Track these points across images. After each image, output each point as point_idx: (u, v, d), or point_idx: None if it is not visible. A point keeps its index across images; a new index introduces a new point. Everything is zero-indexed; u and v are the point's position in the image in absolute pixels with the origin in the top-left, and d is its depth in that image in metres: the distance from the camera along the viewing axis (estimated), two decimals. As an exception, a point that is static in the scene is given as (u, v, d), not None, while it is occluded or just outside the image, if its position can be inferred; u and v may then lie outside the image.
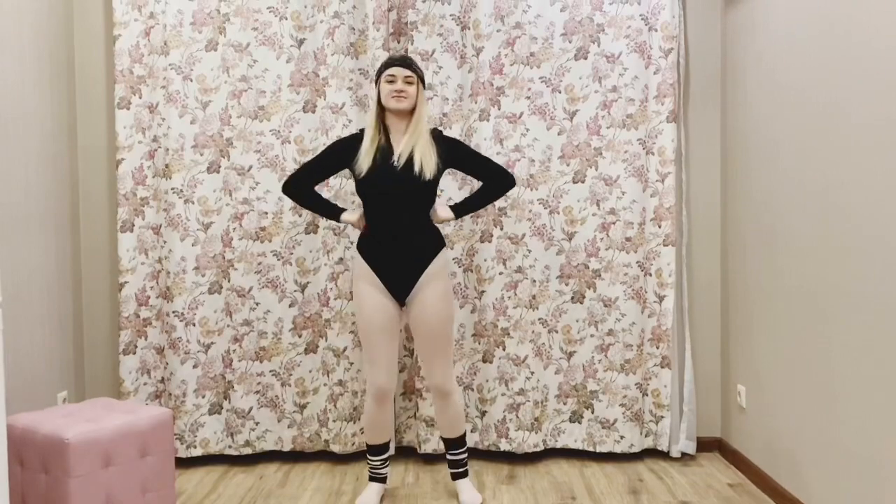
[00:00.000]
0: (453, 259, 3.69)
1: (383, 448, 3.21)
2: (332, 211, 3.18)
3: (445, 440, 3.22)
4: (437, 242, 3.08)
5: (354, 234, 3.68)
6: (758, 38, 3.33)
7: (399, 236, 3.02)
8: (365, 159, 3.02)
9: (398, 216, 3.01)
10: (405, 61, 3.04)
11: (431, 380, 3.10)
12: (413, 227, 3.03)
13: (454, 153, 3.13)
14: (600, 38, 3.65)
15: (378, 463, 3.21)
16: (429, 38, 3.64)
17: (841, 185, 2.64)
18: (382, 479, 3.24)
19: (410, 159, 2.99)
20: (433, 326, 3.03)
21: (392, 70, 3.01)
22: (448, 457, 3.23)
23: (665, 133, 3.63)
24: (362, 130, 3.13)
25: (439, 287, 3.05)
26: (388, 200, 3.01)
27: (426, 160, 2.99)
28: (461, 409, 3.17)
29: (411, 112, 3.04)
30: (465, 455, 3.24)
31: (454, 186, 3.66)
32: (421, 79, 3.05)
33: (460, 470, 3.23)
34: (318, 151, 3.64)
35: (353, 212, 3.17)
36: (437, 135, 3.11)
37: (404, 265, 3.03)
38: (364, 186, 3.02)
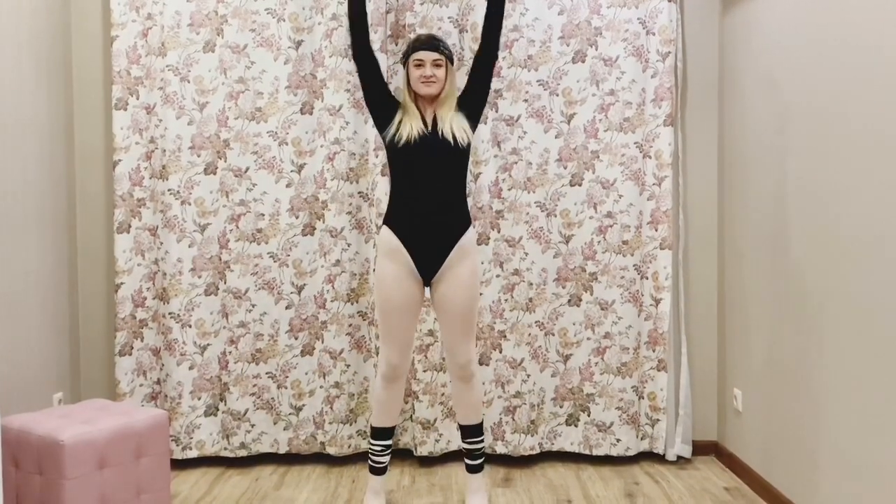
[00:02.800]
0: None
1: (388, 433, 3.13)
2: None
3: (463, 428, 3.14)
4: (466, 219, 3.06)
5: (352, 237, 3.68)
6: (755, 43, 3.34)
7: (431, 209, 2.99)
8: (400, 128, 2.99)
9: (432, 188, 2.99)
10: (432, 43, 3.00)
11: (455, 360, 3.04)
12: (445, 201, 3.01)
13: (464, 97, 3.09)
14: (598, 42, 3.66)
15: (380, 448, 3.11)
16: (427, 41, 3.63)
17: (837, 190, 2.64)
18: (382, 470, 3.14)
19: (445, 133, 2.98)
20: (462, 305, 3.00)
21: (419, 54, 2.98)
22: (464, 446, 3.15)
23: (662, 137, 3.63)
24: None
25: (468, 265, 3.02)
26: (423, 172, 2.99)
27: (460, 128, 3.00)
28: (482, 393, 3.11)
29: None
30: (483, 445, 3.15)
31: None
32: (450, 58, 3.03)
33: (476, 462, 3.14)
34: (316, 153, 3.65)
35: None
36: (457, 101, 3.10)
37: (435, 240, 2.99)
38: (400, 155, 2.99)
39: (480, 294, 3.58)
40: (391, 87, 3.74)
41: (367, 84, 3.07)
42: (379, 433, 3.13)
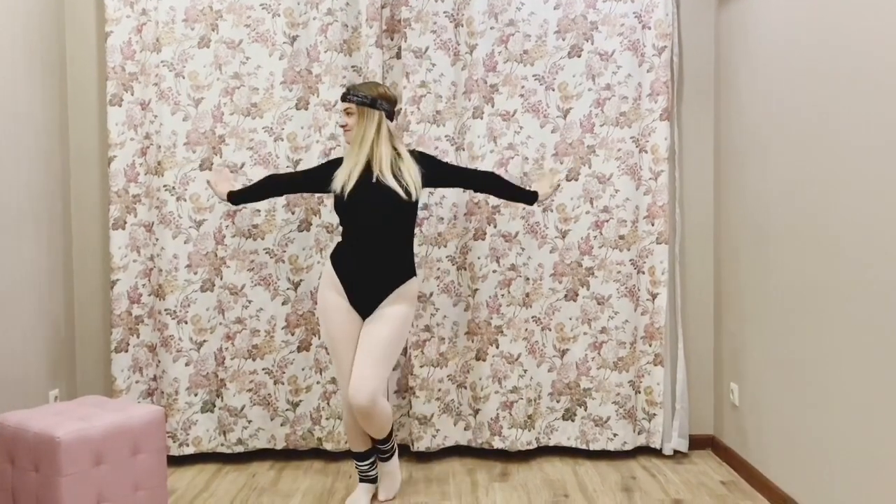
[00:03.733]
0: (447, 256, 3.68)
1: (368, 453, 3.20)
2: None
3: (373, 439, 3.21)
4: (408, 270, 3.09)
5: (347, 232, 3.67)
6: (750, 37, 3.33)
7: (371, 257, 3.02)
8: (340, 177, 3.04)
9: (373, 236, 3.02)
10: (345, 93, 3.07)
11: (357, 384, 2.97)
12: (386, 250, 3.03)
13: (435, 168, 3.16)
14: (594, 36, 3.65)
15: (366, 467, 3.21)
16: (422, 36, 3.63)
17: (833, 183, 2.64)
18: (372, 481, 3.23)
19: (381, 183, 2.99)
20: (376, 337, 3.00)
21: (342, 104, 3.11)
22: (376, 445, 3.22)
23: (658, 131, 3.63)
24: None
25: (401, 308, 3.05)
26: (363, 220, 3.01)
27: (410, 181, 3.02)
28: (382, 416, 3.03)
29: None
30: (390, 445, 3.21)
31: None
32: (363, 104, 3.03)
33: (385, 455, 3.22)
34: (311, 148, 3.64)
35: (222, 178, 3.32)
36: (417, 155, 3.14)
37: (372, 285, 3.04)
38: (339, 203, 3.04)
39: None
40: (387, 81, 3.75)
41: (315, 190, 3.21)
42: (360, 455, 3.20)
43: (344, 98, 3.07)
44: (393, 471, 3.25)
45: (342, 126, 3.13)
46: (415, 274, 3.12)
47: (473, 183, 3.28)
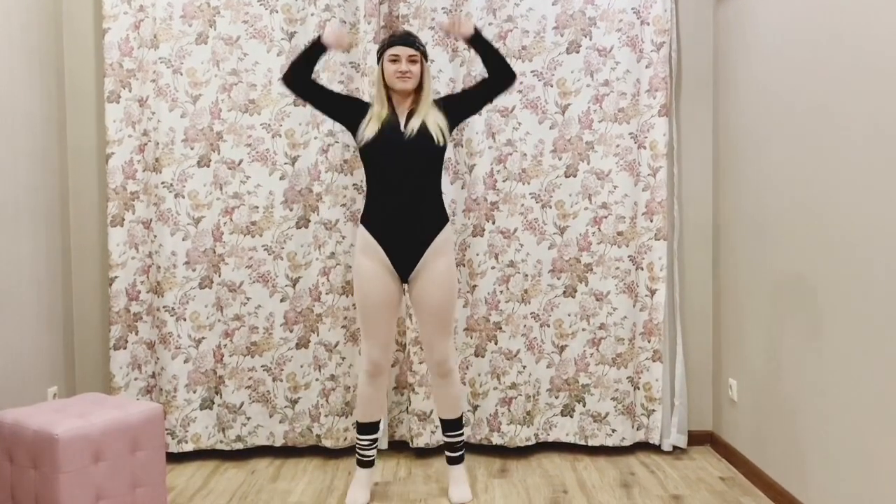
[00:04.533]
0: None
1: (374, 427, 3.17)
2: (313, 48, 3.01)
3: (443, 422, 3.19)
4: (442, 216, 3.06)
5: (346, 229, 3.67)
6: (749, 32, 3.33)
7: (405, 208, 2.99)
8: (371, 126, 2.99)
9: (406, 186, 2.99)
10: (408, 39, 3.01)
11: (432, 357, 3.08)
12: (420, 198, 3.01)
13: (450, 101, 3.11)
14: (592, 32, 3.65)
15: (366, 443, 3.17)
16: (420, 32, 3.62)
17: (831, 179, 2.64)
18: (370, 463, 3.19)
19: (420, 129, 2.98)
20: (437, 303, 3.02)
21: (395, 49, 2.98)
22: (444, 439, 3.21)
23: (657, 127, 3.63)
24: (369, 103, 3.11)
25: (444, 262, 3.03)
26: (397, 170, 2.98)
27: (436, 125, 2.99)
28: (461, 388, 3.15)
29: (417, 87, 3.03)
30: (463, 438, 3.21)
31: (446, 180, 3.65)
32: (424, 54, 3.03)
33: (456, 454, 3.20)
34: (310, 145, 3.64)
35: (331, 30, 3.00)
36: (436, 102, 3.11)
37: (410, 238, 3.01)
38: (372, 154, 3.00)
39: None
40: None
41: (327, 111, 3.10)
42: (364, 428, 3.17)
43: (410, 44, 2.98)
44: (462, 475, 3.21)
45: (403, 72, 2.95)
46: (448, 219, 3.09)
47: (483, 91, 3.09)
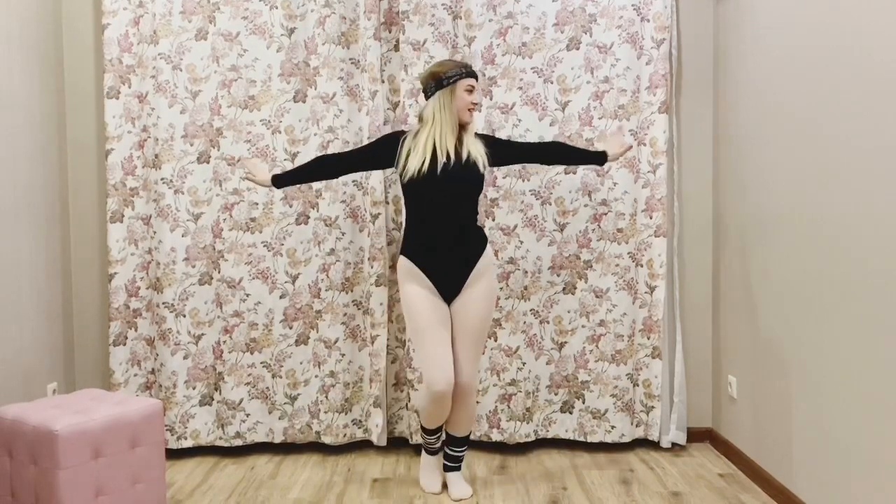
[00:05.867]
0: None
1: (437, 429, 3.20)
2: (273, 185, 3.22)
3: (450, 436, 3.20)
4: (482, 239, 3.11)
5: (346, 226, 3.66)
6: (749, 29, 3.33)
7: (449, 236, 3.02)
8: (416, 158, 2.98)
9: (451, 215, 3.02)
10: (473, 71, 3.06)
11: (458, 377, 3.05)
12: (464, 226, 3.05)
13: (496, 143, 3.16)
14: (592, 29, 3.64)
15: (433, 440, 3.23)
16: (420, 28, 3.62)
17: (831, 176, 2.64)
18: (436, 452, 3.25)
19: (471, 158, 3.01)
20: (471, 324, 3.05)
21: (471, 81, 3.02)
22: (447, 450, 3.22)
23: (657, 124, 3.62)
24: (401, 132, 3.13)
25: (485, 285, 3.07)
26: (445, 200, 3.00)
27: (481, 154, 3.03)
28: (475, 408, 3.16)
29: None
30: (465, 452, 3.25)
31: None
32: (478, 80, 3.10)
33: (455, 464, 3.22)
34: (309, 141, 3.63)
35: (257, 167, 3.23)
36: (478, 135, 3.16)
37: (454, 266, 3.04)
38: (420, 186, 2.99)
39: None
40: (385, 74, 3.74)
41: (370, 168, 3.19)
42: (429, 431, 3.21)
43: (474, 75, 3.03)
44: (460, 475, 3.24)
45: (475, 104, 3.04)
46: (487, 240, 3.13)
47: (539, 155, 3.26)
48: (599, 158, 3.31)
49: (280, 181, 3.18)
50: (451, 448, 3.21)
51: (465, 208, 3.04)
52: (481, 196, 3.60)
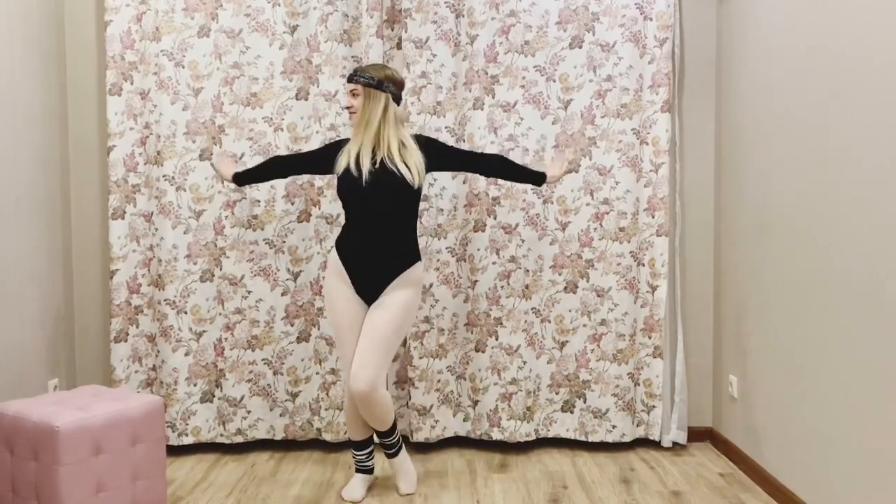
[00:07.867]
0: (447, 248, 3.68)
1: (366, 443, 3.19)
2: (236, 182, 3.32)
3: (375, 430, 3.15)
4: (411, 256, 3.07)
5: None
6: (752, 28, 3.32)
7: (375, 244, 3.01)
8: (342, 161, 3.03)
9: (375, 225, 3.00)
10: (353, 73, 3.04)
11: (351, 380, 2.96)
12: (391, 237, 3.02)
13: (442, 150, 3.14)
14: (595, 27, 3.64)
15: (363, 456, 3.20)
16: (423, 26, 3.61)
17: (833, 176, 2.63)
18: (369, 471, 3.21)
19: (386, 169, 2.97)
20: (377, 326, 2.98)
21: (350, 85, 3.05)
22: (379, 441, 3.17)
23: (659, 123, 3.62)
24: (346, 140, 3.15)
25: (403, 296, 3.02)
26: (363, 207, 3.00)
27: (414, 166, 2.99)
28: (385, 406, 3.02)
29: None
30: (395, 438, 3.16)
31: (447, 175, 3.65)
32: (369, 85, 3.00)
33: (392, 451, 3.17)
34: (311, 139, 3.63)
35: (225, 162, 3.35)
36: (422, 140, 3.12)
37: (376, 272, 3.03)
38: (340, 189, 3.04)
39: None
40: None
41: (317, 172, 3.23)
42: (357, 444, 3.19)
43: (350, 79, 3.03)
44: (405, 464, 3.22)
45: (347, 108, 3.08)
46: (419, 259, 3.10)
47: (480, 166, 3.26)
48: (538, 179, 3.28)
49: (240, 178, 3.28)
50: (381, 438, 3.16)
51: (394, 218, 3.01)
52: (482, 196, 3.61)
